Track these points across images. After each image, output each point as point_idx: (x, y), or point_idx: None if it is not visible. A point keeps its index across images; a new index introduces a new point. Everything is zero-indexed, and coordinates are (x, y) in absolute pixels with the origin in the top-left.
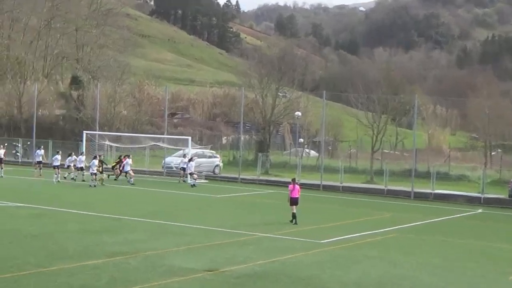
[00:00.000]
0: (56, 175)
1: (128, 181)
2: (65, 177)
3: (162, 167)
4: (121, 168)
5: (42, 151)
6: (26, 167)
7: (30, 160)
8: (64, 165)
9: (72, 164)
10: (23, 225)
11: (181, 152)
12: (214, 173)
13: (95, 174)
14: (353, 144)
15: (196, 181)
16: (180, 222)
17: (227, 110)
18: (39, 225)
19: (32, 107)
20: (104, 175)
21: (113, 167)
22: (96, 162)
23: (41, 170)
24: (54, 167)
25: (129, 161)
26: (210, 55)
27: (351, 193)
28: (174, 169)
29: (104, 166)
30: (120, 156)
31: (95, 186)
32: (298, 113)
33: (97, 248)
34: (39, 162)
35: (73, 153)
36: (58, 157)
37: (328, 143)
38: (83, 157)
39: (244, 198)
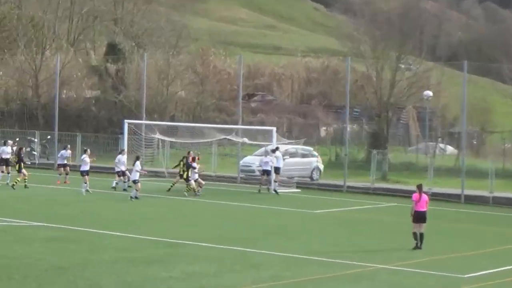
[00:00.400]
0: (85, 183)
1: (196, 194)
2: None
3: (242, 171)
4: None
5: (68, 152)
6: (46, 171)
7: (51, 162)
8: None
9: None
10: (43, 253)
11: (264, 149)
12: (312, 179)
13: (137, 181)
14: (509, 136)
15: (282, 188)
16: (260, 249)
17: (326, 89)
18: (64, 253)
19: (53, 87)
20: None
21: (183, 175)
22: (138, 164)
23: (67, 176)
24: (82, 173)
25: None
26: (302, 12)
27: (506, 206)
28: (257, 173)
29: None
30: (186, 156)
31: (136, 198)
32: (428, 93)
33: (146, 285)
34: (64, 165)
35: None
36: (86, 158)
37: (471, 135)
38: (123, 157)
39: (351, 215)
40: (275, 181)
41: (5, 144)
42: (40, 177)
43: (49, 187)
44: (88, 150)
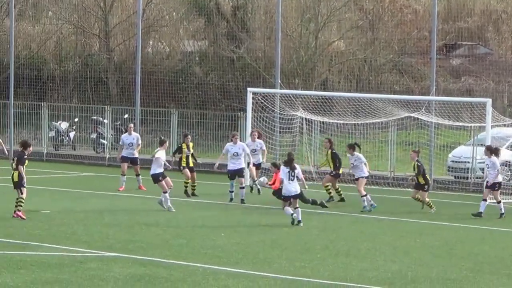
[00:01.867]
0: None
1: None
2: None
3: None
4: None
5: (135, 138)
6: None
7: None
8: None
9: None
10: None
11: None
12: None
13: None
14: None
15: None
16: None
17: None
18: None
19: (133, 36)
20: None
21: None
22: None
23: (139, 180)
24: (156, 177)
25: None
26: None
27: None
28: (479, 173)
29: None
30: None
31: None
32: None
33: None
34: (131, 160)
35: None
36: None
37: None
38: (244, 145)
39: None
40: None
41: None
42: (110, 179)
43: (130, 196)
44: (188, 137)
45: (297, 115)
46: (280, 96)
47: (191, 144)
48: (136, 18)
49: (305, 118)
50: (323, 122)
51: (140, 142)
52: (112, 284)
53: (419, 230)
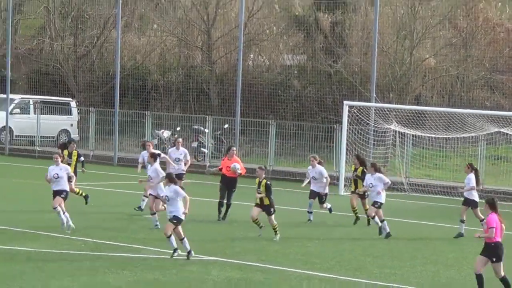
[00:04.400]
0: None
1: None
2: None
3: None
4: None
5: (183, 153)
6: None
7: None
8: None
9: None
10: None
11: None
12: None
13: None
14: None
15: None
16: None
17: None
18: None
19: (234, 50)
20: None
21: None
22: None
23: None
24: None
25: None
26: None
27: None
28: None
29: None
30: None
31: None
32: None
33: None
34: (177, 175)
35: None
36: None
37: None
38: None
39: None
40: None
41: (144, 147)
42: (209, 186)
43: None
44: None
45: (390, 128)
46: (375, 110)
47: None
48: (238, 32)
49: (398, 132)
50: (415, 136)
51: (188, 158)
52: (210, 285)
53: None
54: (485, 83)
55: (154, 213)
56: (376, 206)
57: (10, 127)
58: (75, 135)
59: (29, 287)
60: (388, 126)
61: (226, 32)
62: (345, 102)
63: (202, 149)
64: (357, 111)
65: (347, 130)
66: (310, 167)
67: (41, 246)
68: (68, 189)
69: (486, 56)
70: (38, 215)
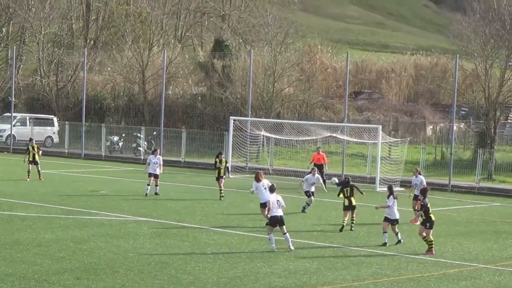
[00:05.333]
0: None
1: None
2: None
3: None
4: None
5: (159, 159)
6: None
7: None
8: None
9: None
10: (146, 247)
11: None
12: None
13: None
14: None
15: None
16: (361, 247)
17: (434, 87)
18: (167, 248)
19: (160, 83)
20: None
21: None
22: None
23: (157, 188)
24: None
25: None
26: (411, 9)
27: None
28: None
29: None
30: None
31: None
32: None
33: (249, 281)
34: (154, 175)
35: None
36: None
37: None
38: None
39: (455, 214)
40: None
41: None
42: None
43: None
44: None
45: (260, 134)
46: (250, 122)
47: (223, 160)
48: (162, 72)
49: (266, 136)
50: (276, 138)
51: (161, 162)
52: (142, 236)
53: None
54: (321, 104)
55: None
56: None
57: (14, 135)
58: (55, 140)
59: (23, 239)
60: (259, 132)
61: (155, 72)
62: (231, 117)
63: (139, 148)
64: (239, 123)
65: (232, 135)
66: (414, 177)
67: (31, 212)
68: None
69: (322, 86)
70: (29, 190)
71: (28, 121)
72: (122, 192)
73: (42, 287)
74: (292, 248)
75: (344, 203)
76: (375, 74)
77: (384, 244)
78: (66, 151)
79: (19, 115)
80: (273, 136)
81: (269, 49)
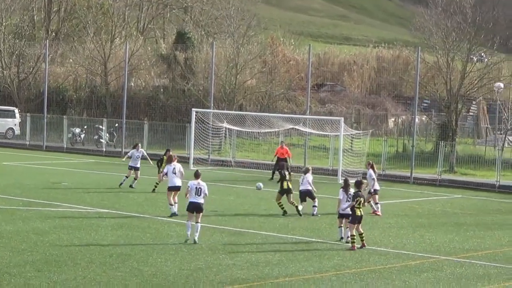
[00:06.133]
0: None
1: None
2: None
3: None
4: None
5: (141, 152)
6: (113, 159)
7: (118, 150)
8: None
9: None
10: (108, 239)
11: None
12: None
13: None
14: None
15: None
16: (323, 238)
17: (396, 80)
18: (129, 240)
19: (122, 75)
20: None
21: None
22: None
23: (135, 181)
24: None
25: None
26: (374, 2)
27: None
28: None
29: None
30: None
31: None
32: (500, 85)
33: (211, 273)
34: (134, 168)
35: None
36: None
37: None
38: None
39: (416, 206)
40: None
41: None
42: (106, 164)
43: (114, 174)
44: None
45: (223, 126)
46: (212, 114)
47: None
48: (124, 64)
49: (228, 128)
50: (239, 131)
51: (145, 154)
52: (104, 228)
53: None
54: (283, 97)
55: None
56: None
57: None
58: (17, 131)
59: None
60: (221, 124)
61: (117, 64)
62: (193, 109)
63: (100, 140)
64: (201, 115)
65: (194, 127)
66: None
67: None
68: None
69: (284, 79)
70: None
71: None
72: (84, 184)
73: (3, 279)
74: (196, 240)
75: (282, 186)
76: (338, 67)
77: (341, 239)
78: (28, 143)
79: None
80: (235, 128)
81: (232, 41)
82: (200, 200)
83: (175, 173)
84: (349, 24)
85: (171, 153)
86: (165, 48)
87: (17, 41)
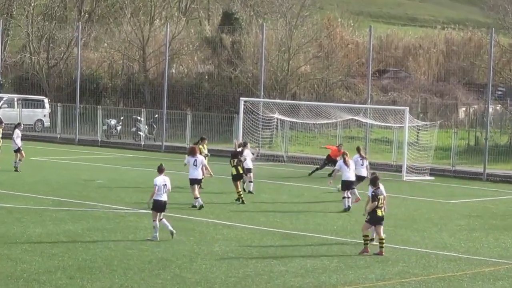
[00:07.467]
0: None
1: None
2: None
3: None
4: None
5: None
6: (152, 154)
7: (158, 143)
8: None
9: None
10: (147, 243)
11: None
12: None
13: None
14: None
15: (412, 175)
16: (387, 242)
17: (467, 65)
18: (170, 244)
19: (162, 61)
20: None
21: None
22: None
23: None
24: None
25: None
26: None
27: None
28: None
29: None
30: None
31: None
32: None
33: (261, 281)
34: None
35: None
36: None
37: None
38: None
39: (490, 205)
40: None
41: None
42: (146, 160)
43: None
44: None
45: (274, 116)
46: (263, 104)
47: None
48: (165, 48)
49: (280, 119)
50: (292, 122)
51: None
52: (142, 230)
53: None
54: (341, 84)
55: None
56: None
57: (0, 118)
58: (46, 123)
59: (10, 233)
60: (272, 115)
61: (156, 48)
62: (241, 98)
63: (139, 132)
64: (250, 105)
65: (242, 118)
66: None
67: (19, 203)
68: None
69: (342, 65)
70: (16, 179)
71: (16, 103)
72: (121, 181)
73: None
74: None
75: (232, 172)
76: (402, 51)
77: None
78: (58, 136)
79: (6, 96)
80: (288, 119)
81: (284, 22)
82: (166, 197)
83: (195, 165)
84: (414, 3)
85: (201, 145)
86: (210, 31)
87: (47, 23)
